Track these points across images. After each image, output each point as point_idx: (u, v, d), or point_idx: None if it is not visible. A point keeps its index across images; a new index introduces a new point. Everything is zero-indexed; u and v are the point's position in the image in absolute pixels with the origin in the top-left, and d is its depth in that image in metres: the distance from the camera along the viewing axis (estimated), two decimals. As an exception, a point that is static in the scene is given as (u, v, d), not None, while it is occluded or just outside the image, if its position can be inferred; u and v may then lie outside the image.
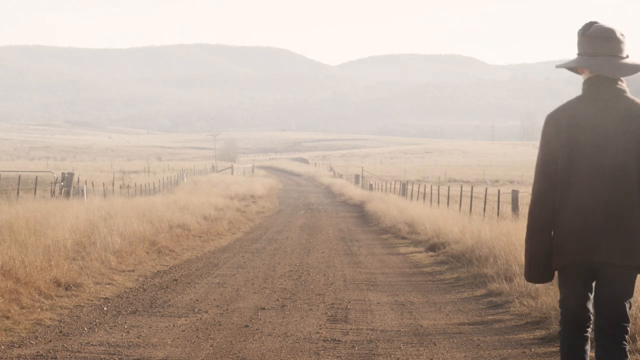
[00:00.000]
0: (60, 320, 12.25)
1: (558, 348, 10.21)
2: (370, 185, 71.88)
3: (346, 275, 18.34)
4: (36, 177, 37.99)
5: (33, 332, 11.35)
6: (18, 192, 32.10)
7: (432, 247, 23.69)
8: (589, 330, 5.92)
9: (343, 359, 9.82)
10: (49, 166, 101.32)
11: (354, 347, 10.46)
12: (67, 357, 9.79)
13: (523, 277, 13.11)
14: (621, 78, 5.83)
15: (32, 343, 10.61)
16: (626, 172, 5.66)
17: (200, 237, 27.46)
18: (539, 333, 11.14)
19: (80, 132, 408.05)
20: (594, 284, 5.84)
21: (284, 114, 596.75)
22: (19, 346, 10.42)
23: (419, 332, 11.52)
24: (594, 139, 5.70)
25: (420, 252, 23.87)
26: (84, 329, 11.58)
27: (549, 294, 12.28)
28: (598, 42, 5.79)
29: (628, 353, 5.82)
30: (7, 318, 11.90)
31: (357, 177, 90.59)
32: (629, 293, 5.72)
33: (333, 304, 14.06)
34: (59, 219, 21.01)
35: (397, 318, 12.71)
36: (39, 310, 12.77)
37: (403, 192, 55.06)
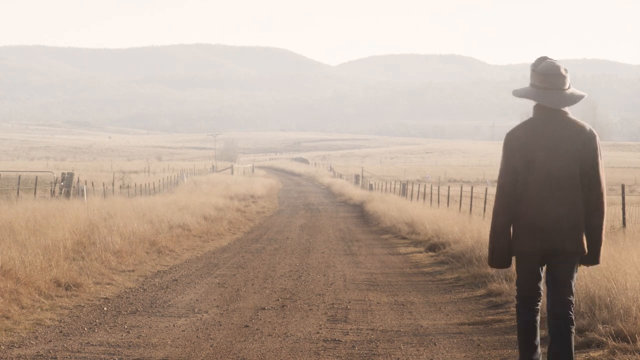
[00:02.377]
0: (60, 320, 12.25)
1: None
2: (370, 186, 71.89)
3: (346, 275, 18.34)
4: (36, 177, 37.98)
5: (33, 332, 11.36)
6: (18, 192, 32.10)
7: (432, 247, 23.69)
8: (539, 304, 7.36)
9: (343, 359, 9.82)
10: (49, 166, 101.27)
11: (354, 347, 10.46)
12: (67, 357, 9.79)
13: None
14: None
15: (32, 343, 10.62)
16: (571, 178, 7.14)
17: (200, 237, 27.47)
18: (539, 333, 11.14)
19: (80, 132, 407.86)
20: (543, 268, 7.36)
21: (284, 114, 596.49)
22: (19, 346, 10.42)
23: (419, 332, 11.52)
24: (546, 153, 7.15)
25: (421, 252, 23.87)
26: (84, 329, 11.59)
27: (549, 294, 12.28)
28: (546, 77, 7.25)
29: (574, 319, 7.32)
30: (7, 318, 11.90)
31: (357, 177, 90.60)
32: (573, 275, 7.25)
33: (333, 304, 14.06)
34: (59, 219, 21.02)
35: (397, 318, 12.71)
36: (39, 310, 12.78)
37: (403, 192, 55.06)
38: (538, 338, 7.38)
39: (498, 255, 7.33)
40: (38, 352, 10.02)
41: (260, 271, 18.82)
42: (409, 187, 54.65)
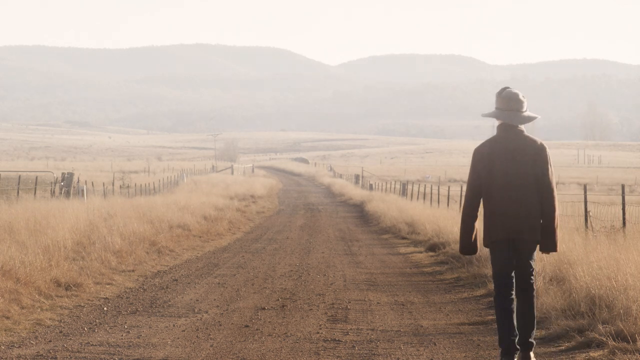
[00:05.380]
0: (60, 320, 12.26)
1: (558, 348, 10.27)
2: (370, 185, 71.88)
3: (346, 275, 18.34)
4: (36, 177, 37.96)
5: (33, 332, 11.36)
6: (18, 192, 32.09)
7: (432, 247, 23.68)
8: (513, 294, 8.84)
9: (343, 359, 9.82)
10: (49, 166, 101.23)
11: (354, 347, 10.46)
12: (67, 357, 9.79)
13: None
14: None
15: (32, 343, 10.62)
16: (525, 182, 8.88)
17: (200, 237, 27.47)
18: (538, 333, 11.12)
19: (80, 132, 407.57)
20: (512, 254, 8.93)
21: (284, 114, 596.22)
22: (19, 346, 10.42)
23: (419, 332, 11.53)
24: (505, 162, 8.89)
25: (421, 252, 23.87)
26: (84, 329, 11.59)
27: (548, 294, 12.28)
28: (508, 101, 8.98)
29: (535, 287, 9.01)
30: (7, 318, 11.90)
31: (357, 177, 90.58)
32: (532, 256, 8.95)
33: (333, 304, 14.06)
34: (59, 219, 21.02)
35: (397, 318, 12.71)
36: (39, 310, 12.78)
37: (403, 192, 55.06)
38: (514, 322, 8.80)
39: (464, 243, 9.05)
40: (38, 352, 10.02)
41: (260, 271, 18.83)
42: (409, 187, 54.63)
